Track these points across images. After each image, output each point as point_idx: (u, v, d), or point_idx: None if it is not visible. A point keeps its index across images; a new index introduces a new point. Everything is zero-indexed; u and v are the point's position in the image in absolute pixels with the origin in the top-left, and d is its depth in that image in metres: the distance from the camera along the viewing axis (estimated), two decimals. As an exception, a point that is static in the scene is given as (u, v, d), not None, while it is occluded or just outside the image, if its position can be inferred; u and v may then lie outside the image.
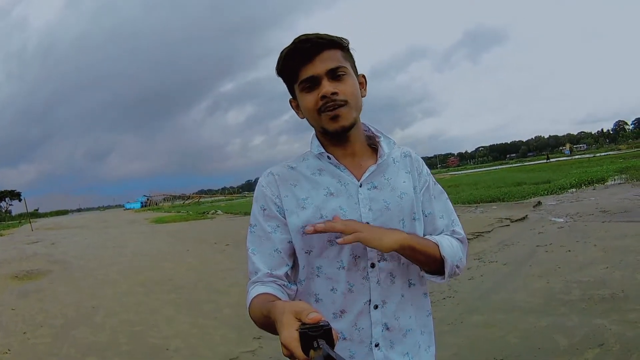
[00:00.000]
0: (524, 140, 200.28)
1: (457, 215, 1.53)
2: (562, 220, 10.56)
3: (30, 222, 41.91)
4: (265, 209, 1.37)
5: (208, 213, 34.65)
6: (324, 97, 1.28)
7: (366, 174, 1.36)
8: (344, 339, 1.32)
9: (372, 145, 1.46)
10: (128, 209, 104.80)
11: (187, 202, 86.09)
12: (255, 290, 1.28)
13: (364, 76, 1.42)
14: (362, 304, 1.32)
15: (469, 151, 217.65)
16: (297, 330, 0.87)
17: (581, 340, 3.95)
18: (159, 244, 15.74)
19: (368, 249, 1.30)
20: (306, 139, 1.45)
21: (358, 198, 1.34)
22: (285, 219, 1.35)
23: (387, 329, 1.34)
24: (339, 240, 1.22)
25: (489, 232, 10.19)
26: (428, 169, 1.50)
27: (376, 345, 1.33)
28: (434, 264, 1.34)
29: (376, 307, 1.32)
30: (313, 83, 1.29)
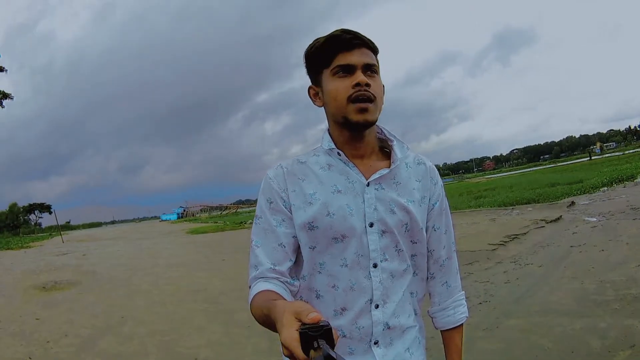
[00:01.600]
0: (556, 141, 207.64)
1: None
2: (595, 219, 10.72)
3: (61, 234, 42.28)
4: (271, 202, 1.38)
5: (245, 223, 34.74)
6: (357, 84, 1.29)
7: (376, 175, 1.36)
8: (344, 336, 1.34)
9: (385, 149, 1.47)
10: (164, 221, 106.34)
11: (224, 212, 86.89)
12: (258, 286, 1.28)
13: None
14: (363, 303, 1.34)
15: (504, 154, 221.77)
16: (297, 330, 0.88)
17: (613, 342, 3.94)
18: (194, 254, 15.77)
19: (371, 248, 1.33)
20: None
21: (364, 197, 1.35)
22: (290, 213, 1.36)
23: (388, 327, 1.36)
24: None
25: (525, 234, 10.22)
26: (440, 179, 1.51)
27: (375, 343, 1.36)
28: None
29: (377, 306, 1.34)
30: (348, 71, 1.31)
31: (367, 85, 1.29)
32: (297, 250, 1.38)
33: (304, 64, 1.43)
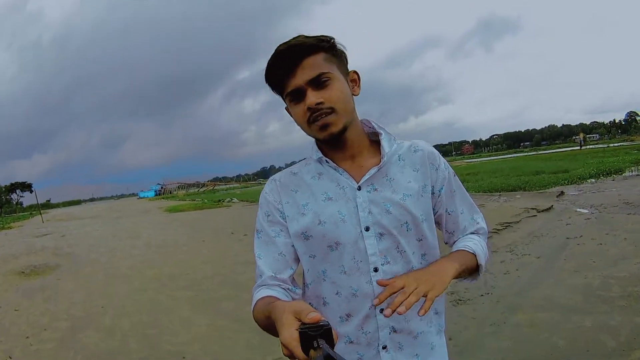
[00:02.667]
0: (538, 129, 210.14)
1: (479, 205, 1.56)
2: (587, 211, 10.68)
3: (41, 214, 42.12)
4: (269, 215, 1.42)
5: (223, 201, 34.58)
6: (309, 108, 1.28)
7: (366, 176, 1.36)
8: (351, 342, 1.36)
9: (378, 141, 1.44)
10: (142, 198, 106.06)
11: (201, 189, 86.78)
12: (260, 293, 1.32)
13: (355, 72, 1.42)
14: (367, 308, 1.33)
15: (484, 139, 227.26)
16: (297, 329, 0.88)
17: (627, 341, 3.89)
18: (174, 235, 15.50)
19: (370, 252, 1.33)
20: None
21: (356, 202, 1.35)
22: (287, 224, 1.39)
23: (395, 331, 1.36)
24: (420, 312, 1.19)
25: (518, 222, 10.23)
26: (446, 162, 1.47)
27: (384, 348, 1.36)
28: (471, 272, 1.42)
29: (382, 310, 1.31)
30: (298, 95, 1.30)
31: (319, 103, 1.27)
32: (298, 259, 1.41)
33: None
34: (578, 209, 11.06)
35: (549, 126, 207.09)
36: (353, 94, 1.38)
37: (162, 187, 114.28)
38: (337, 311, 1.36)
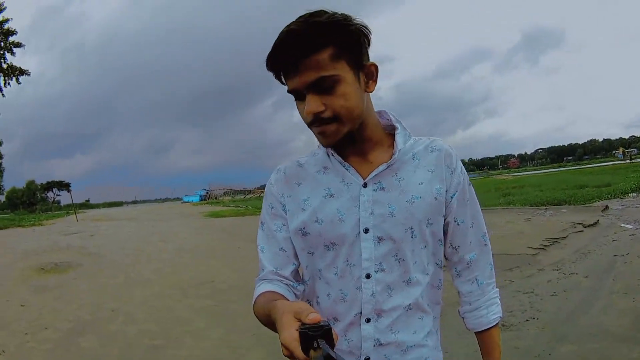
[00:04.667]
0: (580, 143, 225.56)
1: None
2: (631, 226, 10.58)
3: (75, 213, 43.09)
4: (272, 207, 1.38)
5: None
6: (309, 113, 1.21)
7: (373, 173, 1.29)
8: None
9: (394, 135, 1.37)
10: (186, 202, 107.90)
11: (248, 196, 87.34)
12: (262, 287, 1.30)
13: (374, 65, 1.24)
14: (352, 316, 1.29)
15: (529, 152, 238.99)
16: (297, 330, 0.88)
17: None
18: (208, 240, 15.40)
19: (364, 257, 1.27)
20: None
21: (359, 200, 1.28)
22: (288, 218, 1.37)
23: (380, 344, 1.30)
24: None
25: (564, 238, 10.00)
26: (463, 167, 1.36)
27: (367, 359, 1.31)
28: None
29: (368, 320, 1.29)
30: (299, 96, 1.21)
31: (320, 112, 1.17)
32: None
33: None
34: (623, 224, 10.93)
35: (590, 140, 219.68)
36: (366, 91, 1.24)
37: (207, 192, 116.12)
38: (326, 312, 1.32)
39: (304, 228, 1.30)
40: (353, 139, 1.27)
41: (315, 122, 1.20)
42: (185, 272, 9.52)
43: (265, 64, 1.20)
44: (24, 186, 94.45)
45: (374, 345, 1.29)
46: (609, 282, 6.24)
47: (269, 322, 1.09)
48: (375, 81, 1.26)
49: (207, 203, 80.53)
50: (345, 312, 1.29)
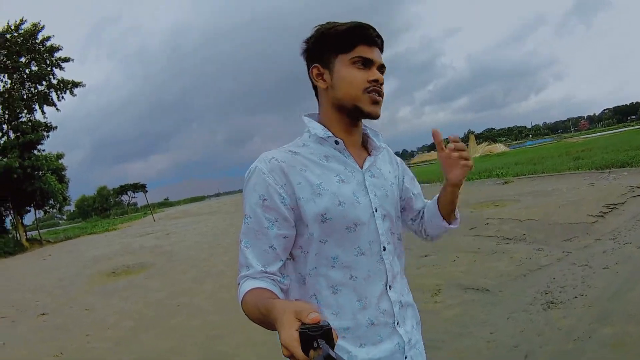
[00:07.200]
0: None
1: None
2: None
3: (152, 213, 44.59)
4: (265, 199, 1.37)
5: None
6: (375, 81, 1.42)
7: (367, 163, 1.50)
8: (372, 324, 1.43)
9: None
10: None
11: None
12: (249, 284, 1.31)
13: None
14: (381, 287, 1.45)
15: (597, 114, 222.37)
16: (297, 330, 0.90)
17: None
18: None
19: (380, 232, 1.46)
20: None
21: (365, 185, 1.46)
22: (288, 210, 1.38)
23: (402, 305, 1.51)
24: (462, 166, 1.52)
25: (623, 203, 9.40)
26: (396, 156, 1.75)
27: (397, 323, 1.47)
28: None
29: (390, 287, 1.47)
30: (366, 65, 1.42)
31: (382, 84, 1.44)
32: (289, 249, 1.42)
33: (312, 41, 1.48)
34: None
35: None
36: None
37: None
38: (354, 296, 1.41)
39: (325, 214, 1.36)
40: (357, 126, 1.52)
41: (374, 90, 1.42)
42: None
43: (344, 27, 1.42)
44: (95, 193, 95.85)
45: (399, 308, 1.49)
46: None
47: (264, 321, 1.14)
48: None
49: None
50: (375, 287, 1.43)
